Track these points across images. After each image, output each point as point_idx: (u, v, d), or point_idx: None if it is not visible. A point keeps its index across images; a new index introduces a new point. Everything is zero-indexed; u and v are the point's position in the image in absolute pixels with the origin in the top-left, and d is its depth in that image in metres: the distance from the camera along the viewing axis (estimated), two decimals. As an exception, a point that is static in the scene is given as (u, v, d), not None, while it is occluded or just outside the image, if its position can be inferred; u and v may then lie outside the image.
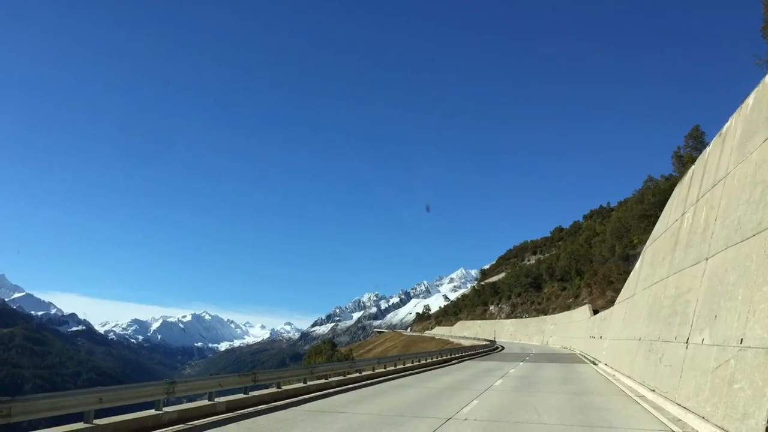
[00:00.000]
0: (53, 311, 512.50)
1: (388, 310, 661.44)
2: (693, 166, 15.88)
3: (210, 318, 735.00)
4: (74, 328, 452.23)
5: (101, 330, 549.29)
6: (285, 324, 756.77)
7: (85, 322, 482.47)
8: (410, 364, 26.84)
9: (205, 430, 9.81)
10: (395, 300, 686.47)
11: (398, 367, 25.19)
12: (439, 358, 32.50)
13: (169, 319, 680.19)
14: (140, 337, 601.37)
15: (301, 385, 16.19)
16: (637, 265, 24.18)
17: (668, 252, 15.91)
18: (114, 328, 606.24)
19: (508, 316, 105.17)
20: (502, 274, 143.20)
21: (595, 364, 29.35)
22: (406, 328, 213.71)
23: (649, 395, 13.76)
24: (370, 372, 21.80)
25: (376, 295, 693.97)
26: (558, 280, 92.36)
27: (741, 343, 8.02)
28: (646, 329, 16.61)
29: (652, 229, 22.50)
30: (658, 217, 21.81)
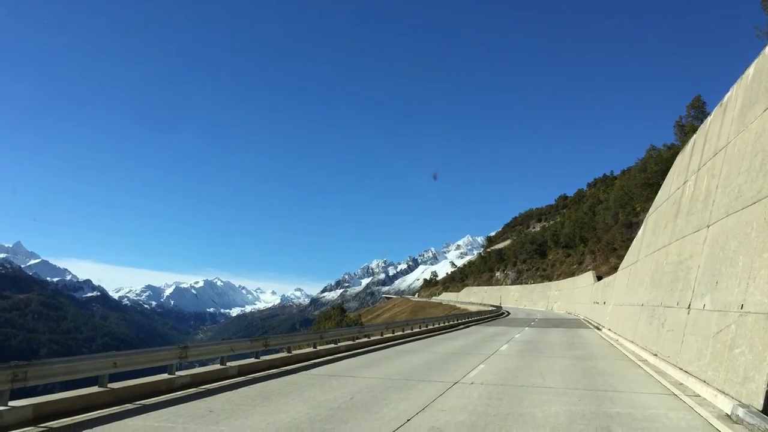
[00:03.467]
0: (68, 277, 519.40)
1: (396, 277, 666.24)
2: (694, 136, 15.83)
3: (222, 284, 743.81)
4: (89, 294, 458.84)
5: (115, 296, 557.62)
6: (295, 290, 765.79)
7: (99, 288, 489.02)
8: (418, 330, 27.22)
9: (217, 393, 10.08)
10: (403, 266, 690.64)
11: (406, 332, 25.57)
12: (446, 324, 32.92)
13: (182, 285, 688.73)
14: (153, 303, 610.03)
15: (311, 349, 16.54)
16: (640, 232, 24.25)
17: (670, 219, 15.96)
18: (128, 294, 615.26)
19: (513, 282, 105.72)
20: (508, 241, 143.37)
21: (598, 329, 29.68)
22: (413, 294, 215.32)
23: (652, 360, 14.00)
24: (379, 337, 22.19)
25: (384, 262, 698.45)
26: (562, 247, 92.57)
27: (741, 308, 8.16)
28: (648, 295, 16.79)
29: (655, 197, 22.49)
30: (661, 185, 21.77)
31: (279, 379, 11.95)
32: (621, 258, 34.53)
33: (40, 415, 7.71)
